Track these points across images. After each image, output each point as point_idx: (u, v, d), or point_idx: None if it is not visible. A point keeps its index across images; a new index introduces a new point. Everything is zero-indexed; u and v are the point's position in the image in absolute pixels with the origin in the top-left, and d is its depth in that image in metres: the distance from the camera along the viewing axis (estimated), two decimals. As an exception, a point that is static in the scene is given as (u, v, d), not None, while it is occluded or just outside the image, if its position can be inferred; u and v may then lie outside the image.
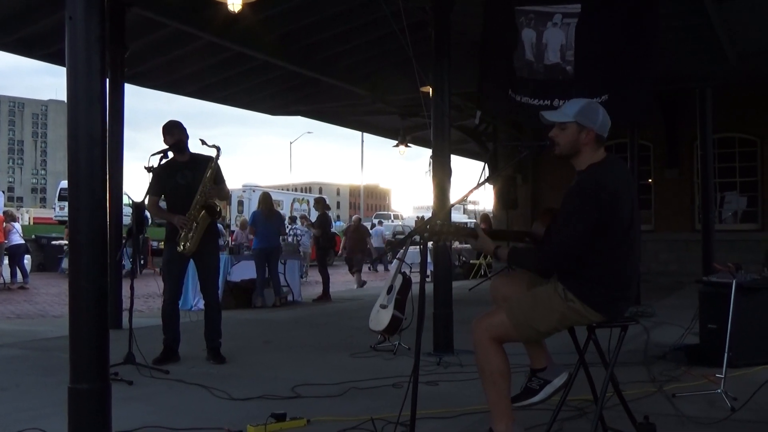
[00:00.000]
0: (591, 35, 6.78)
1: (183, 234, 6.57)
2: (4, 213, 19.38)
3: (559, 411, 3.71)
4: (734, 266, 5.95)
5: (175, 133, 6.68)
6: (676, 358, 6.52)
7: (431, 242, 3.95)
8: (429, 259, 6.45)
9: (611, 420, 3.89)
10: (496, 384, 3.59)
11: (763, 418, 4.67)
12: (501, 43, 7.28)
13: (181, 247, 6.58)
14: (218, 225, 7.48)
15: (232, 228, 28.37)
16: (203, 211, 6.55)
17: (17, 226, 18.60)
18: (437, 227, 3.73)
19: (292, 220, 27.16)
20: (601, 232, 3.46)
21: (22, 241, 18.25)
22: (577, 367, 3.72)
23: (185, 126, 6.82)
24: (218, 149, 6.69)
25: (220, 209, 6.72)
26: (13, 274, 17.54)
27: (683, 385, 5.55)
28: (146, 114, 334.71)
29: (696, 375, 5.82)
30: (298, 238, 19.94)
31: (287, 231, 16.82)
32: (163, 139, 6.69)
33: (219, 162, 6.71)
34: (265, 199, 13.26)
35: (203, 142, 6.69)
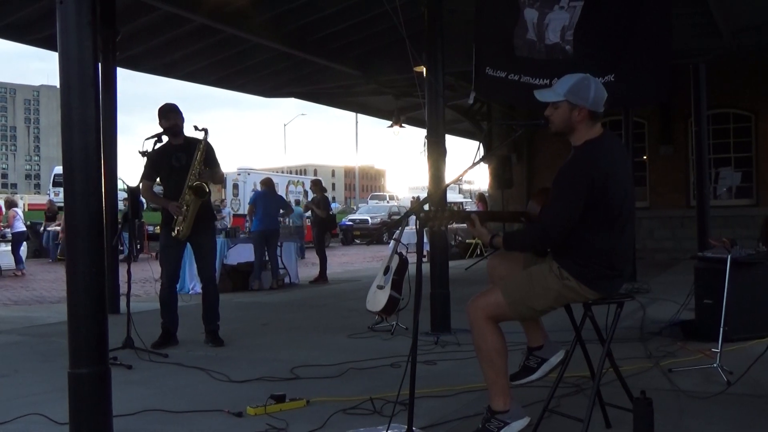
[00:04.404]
0: (598, 16, 6.76)
1: (177, 219, 6.57)
2: (5, 199, 19.31)
3: (556, 387, 3.73)
4: (729, 241, 5.98)
5: (170, 117, 6.65)
6: (672, 333, 6.57)
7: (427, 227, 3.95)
8: (425, 239, 6.46)
9: (608, 396, 3.92)
10: (492, 362, 3.61)
11: (759, 391, 4.71)
12: (499, 24, 7.23)
13: (175, 231, 6.58)
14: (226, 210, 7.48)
15: (227, 210, 28.37)
16: (192, 194, 6.54)
17: (19, 212, 18.59)
18: (432, 213, 3.73)
19: None
20: (595, 209, 3.47)
21: (24, 228, 18.25)
22: (574, 343, 3.74)
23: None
24: (206, 131, 6.66)
25: (209, 190, 6.69)
26: (17, 261, 17.53)
27: (679, 360, 5.60)
28: (138, 98, 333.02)
29: (692, 350, 5.86)
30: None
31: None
32: (158, 122, 6.66)
33: (210, 144, 6.70)
34: (269, 182, 13.51)
35: (196, 128, 6.68)
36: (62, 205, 12.28)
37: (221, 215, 23.53)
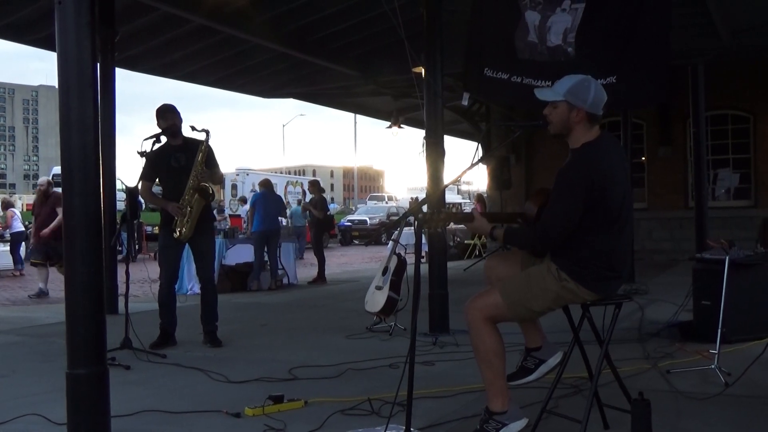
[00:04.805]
0: (599, 17, 6.78)
1: (178, 220, 6.57)
2: (2, 200, 19.30)
3: (554, 388, 3.73)
4: (728, 243, 5.98)
5: (168, 117, 6.64)
6: (670, 334, 6.56)
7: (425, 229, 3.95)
8: (423, 240, 6.46)
9: (606, 397, 3.92)
10: (491, 363, 3.62)
11: (757, 392, 4.71)
12: (499, 26, 7.24)
13: (178, 233, 6.58)
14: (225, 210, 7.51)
15: (227, 212, 28.45)
16: (196, 195, 6.56)
17: (17, 212, 18.60)
18: (429, 215, 3.74)
19: (243, 201, 27.52)
20: (594, 211, 3.47)
21: (23, 228, 18.27)
22: (572, 345, 3.74)
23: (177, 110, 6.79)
24: (207, 132, 6.67)
25: (213, 191, 6.71)
26: (16, 261, 17.55)
27: (677, 361, 5.60)
28: (136, 98, 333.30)
29: (690, 351, 5.86)
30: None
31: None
32: (156, 123, 6.66)
33: (210, 145, 6.71)
34: (267, 183, 13.63)
35: (193, 128, 6.68)
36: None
37: (223, 216, 23.57)
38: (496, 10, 7.32)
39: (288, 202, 27.27)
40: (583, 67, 6.27)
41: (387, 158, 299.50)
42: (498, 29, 7.23)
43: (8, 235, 17.72)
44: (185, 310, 7.47)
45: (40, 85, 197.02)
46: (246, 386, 5.15)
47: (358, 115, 45.76)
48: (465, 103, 7.84)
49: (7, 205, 18.67)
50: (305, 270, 16.28)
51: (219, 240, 11.51)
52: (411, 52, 8.29)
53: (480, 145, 18.40)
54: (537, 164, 18.60)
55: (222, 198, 31.86)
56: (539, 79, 6.79)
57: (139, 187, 6.75)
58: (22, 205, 40.88)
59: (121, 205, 10.29)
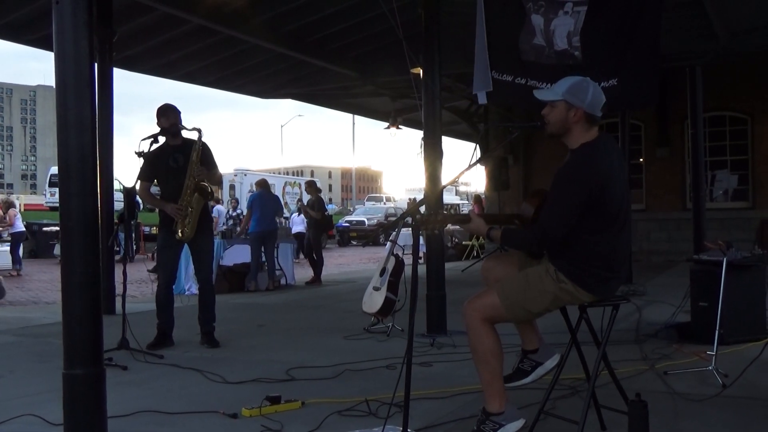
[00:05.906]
0: (600, 20, 6.80)
1: (179, 220, 6.55)
2: (3, 201, 19.34)
3: (551, 390, 3.74)
4: (725, 244, 5.98)
5: (170, 116, 6.63)
6: (668, 336, 6.56)
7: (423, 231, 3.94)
8: (421, 241, 6.45)
9: (603, 398, 3.92)
10: (488, 364, 3.61)
11: (754, 394, 4.72)
12: (504, 28, 7.24)
13: (179, 234, 6.56)
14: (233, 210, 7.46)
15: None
16: (196, 194, 6.55)
17: (17, 212, 18.65)
18: (426, 217, 3.73)
19: (217, 201, 27.61)
20: (593, 211, 3.47)
21: (23, 228, 18.30)
22: (569, 346, 3.74)
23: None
24: (199, 131, 6.64)
25: (212, 190, 6.70)
26: (15, 261, 17.56)
27: (675, 362, 5.60)
28: (134, 98, 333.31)
29: (687, 352, 5.87)
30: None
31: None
32: (157, 121, 6.64)
33: (207, 145, 6.69)
34: (264, 183, 13.67)
35: (183, 128, 6.67)
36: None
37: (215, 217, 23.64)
38: (501, 12, 7.32)
39: (286, 203, 27.25)
40: (588, 70, 6.29)
41: (385, 159, 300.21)
42: (503, 31, 7.22)
43: (6, 235, 17.73)
44: (183, 311, 7.46)
45: (38, 85, 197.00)
46: (243, 387, 5.14)
47: (356, 116, 45.84)
48: (483, 101, 7.78)
49: (9, 205, 18.69)
50: (303, 271, 16.27)
51: (217, 240, 11.50)
52: (409, 53, 8.29)
53: (478, 145, 18.42)
54: (535, 165, 18.61)
55: (220, 198, 31.85)
56: (543, 82, 6.79)
57: (137, 187, 6.74)
58: (20, 205, 40.91)
59: (118, 206, 10.29)
